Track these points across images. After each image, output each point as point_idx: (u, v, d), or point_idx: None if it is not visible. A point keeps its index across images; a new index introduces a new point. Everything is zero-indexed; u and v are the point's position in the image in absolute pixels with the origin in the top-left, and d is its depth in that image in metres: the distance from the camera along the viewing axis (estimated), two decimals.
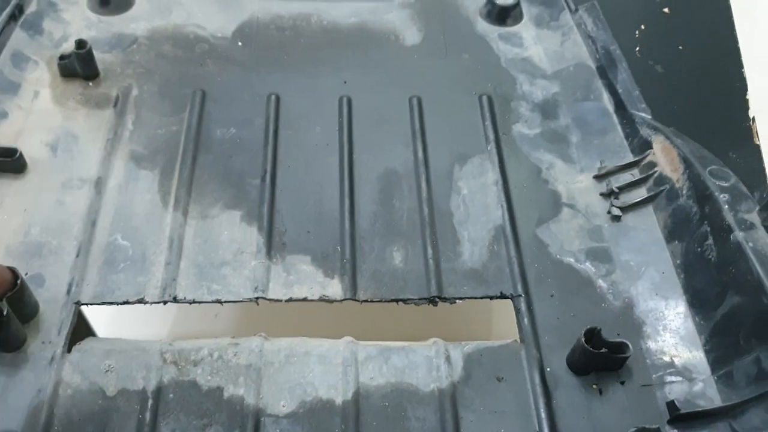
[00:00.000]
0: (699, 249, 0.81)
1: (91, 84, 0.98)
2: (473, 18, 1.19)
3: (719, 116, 1.38)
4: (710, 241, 0.79)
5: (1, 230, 0.80)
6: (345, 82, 1.05)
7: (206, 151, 0.92)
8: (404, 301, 0.80)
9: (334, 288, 0.80)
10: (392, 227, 0.87)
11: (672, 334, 0.78)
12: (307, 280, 0.80)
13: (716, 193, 0.81)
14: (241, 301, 0.78)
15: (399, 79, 1.07)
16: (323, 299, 0.79)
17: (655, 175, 0.91)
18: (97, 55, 0.99)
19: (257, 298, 0.78)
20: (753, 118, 1.36)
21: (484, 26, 1.17)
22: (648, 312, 0.80)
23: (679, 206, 0.86)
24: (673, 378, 0.74)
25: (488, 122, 1.01)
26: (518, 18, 1.18)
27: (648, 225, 0.89)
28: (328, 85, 1.04)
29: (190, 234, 0.83)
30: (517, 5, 1.18)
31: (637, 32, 1.52)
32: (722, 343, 0.74)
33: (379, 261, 0.83)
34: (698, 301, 0.79)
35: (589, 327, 0.71)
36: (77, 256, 0.79)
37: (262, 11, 1.14)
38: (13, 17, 1.02)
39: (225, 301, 0.78)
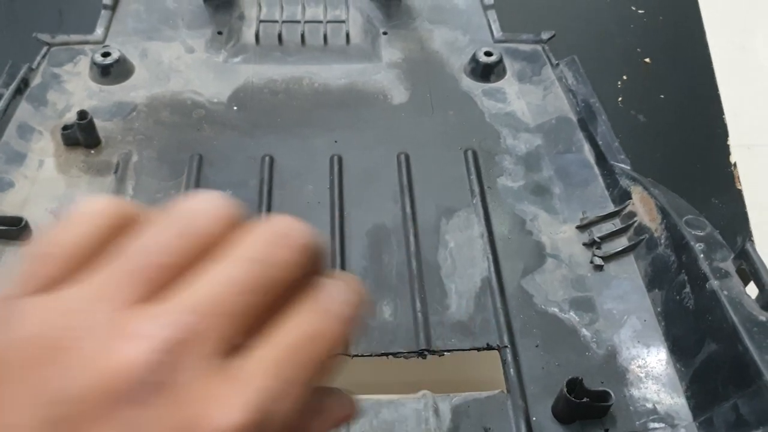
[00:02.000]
0: (678, 297, 0.83)
1: (93, 152, 1.02)
2: (458, 75, 1.23)
3: (702, 162, 1.41)
4: (688, 289, 0.82)
5: None
6: (336, 142, 1.09)
7: None
8: (394, 354, 0.83)
9: None
10: (382, 282, 0.90)
11: (654, 381, 0.80)
12: None
13: (692, 242, 0.84)
14: None
15: (387, 136, 1.11)
16: None
17: (635, 224, 0.94)
18: (99, 123, 1.04)
19: None
20: (734, 163, 1.40)
21: (468, 83, 1.22)
22: (631, 359, 0.82)
23: (658, 255, 0.89)
24: (656, 425, 0.76)
25: (473, 176, 1.05)
26: (501, 74, 1.23)
27: (629, 273, 0.92)
28: (319, 144, 1.08)
29: None
30: (500, 62, 1.23)
31: (619, 82, 1.57)
32: (702, 389, 0.76)
33: (369, 316, 0.86)
34: (679, 349, 0.82)
35: (571, 377, 0.74)
36: None
37: (257, 76, 1.19)
38: (19, 91, 1.07)
39: None
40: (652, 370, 0.81)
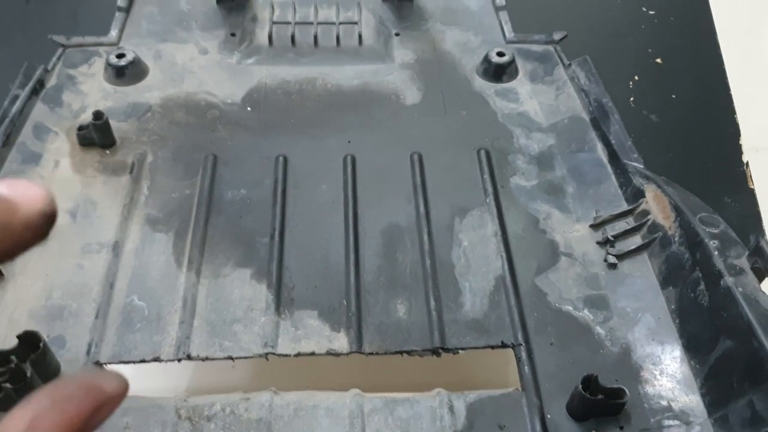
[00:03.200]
0: (692, 294, 0.83)
1: (108, 152, 1.03)
2: (470, 76, 1.24)
3: (714, 162, 1.41)
4: (702, 286, 0.82)
5: (26, 295, 0.84)
6: (349, 142, 1.10)
7: (218, 213, 0.97)
8: (408, 352, 0.83)
9: (341, 341, 0.83)
10: (396, 280, 0.91)
11: (669, 379, 0.80)
12: (314, 334, 0.84)
13: (706, 240, 0.84)
14: (252, 357, 0.82)
15: (400, 136, 1.11)
16: (330, 353, 0.82)
17: (649, 223, 0.94)
18: (114, 124, 1.05)
19: (267, 353, 0.81)
20: (747, 162, 1.39)
21: (481, 83, 1.22)
22: (645, 357, 0.82)
23: (672, 253, 0.89)
24: (671, 422, 0.76)
25: (486, 175, 1.05)
26: (514, 74, 1.23)
27: (643, 272, 0.92)
28: (332, 144, 1.09)
29: (203, 293, 0.87)
30: (512, 62, 1.23)
31: (631, 83, 1.57)
32: (717, 386, 0.76)
33: (383, 314, 0.87)
34: (693, 346, 0.82)
35: (586, 374, 0.74)
36: (96, 317, 0.83)
37: (270, 77, 1.20)
38: (35, 92, 1.08)
39: (236, 357, 0.81)
40: (666, 368, 0.81)
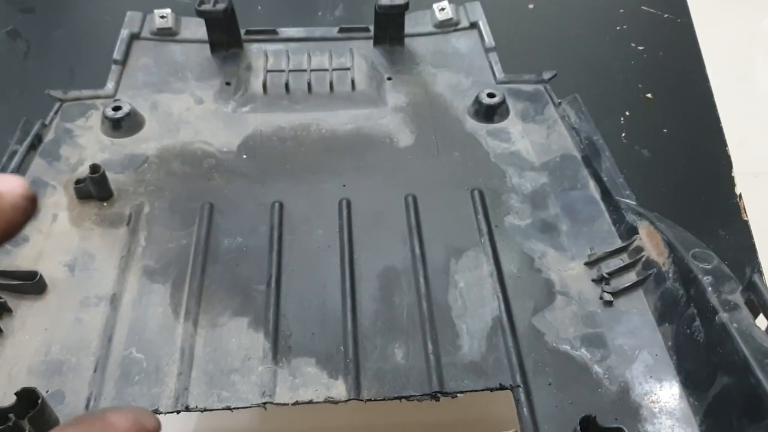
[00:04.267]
0: (688, 331, 0.84)
1: (105, 204, 1.04)
2: (462, 117, 1.26)
3: (707, 195, 1.42)
4: (698, 322, 0.82)
5: (24, 350, 0.85)
6: (344, 186, 1.11)
7: (214, 261, 0.98)
8: (407, 398, 0.83)
9: (339, 389, 0.83)
10: (393, 324, 0.91)
11: (668, 416, 0.80)
12: (312, 382, 0.84)
13: (699, 276, 0.84)
14: (250, 407, 0.81)
15: (395, 179, 1.12)
16: (328, 401, 0.82)
17: (643, 259, 0.95)
18: (111, 176, 1.06)
19: (265, 403, 0.81)
20: (740, 194, 1.40)
21: (473, 124, 1.24)
22: (644, 395, 0.82)
23: (667, 289, 0.89)
24: None
25: (481, 216, 1.06)
26: (505, 114, 1.25)
27: (639, 308, 0.92)
28: (328, 189, 1.10)
29: (201, 343, 0.87)
30: (503, 103, 1.25)
31: (622, 118, 1.59)
32: (716, 424, 0.76)
33: (381, 359, 0.87)
34: (691, 383, 0.81)
35: (584, 415, 0.74)
36: (95, 371, 0.83)
37: (265, 124, 1.22)
38: (33, 147, 1.10)
39: (234, 408, 0.81)
40: (665, 405, 0.81)
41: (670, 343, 0.86)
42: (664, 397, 0.82)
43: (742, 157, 1.47)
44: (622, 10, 1.94)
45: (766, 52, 1.92)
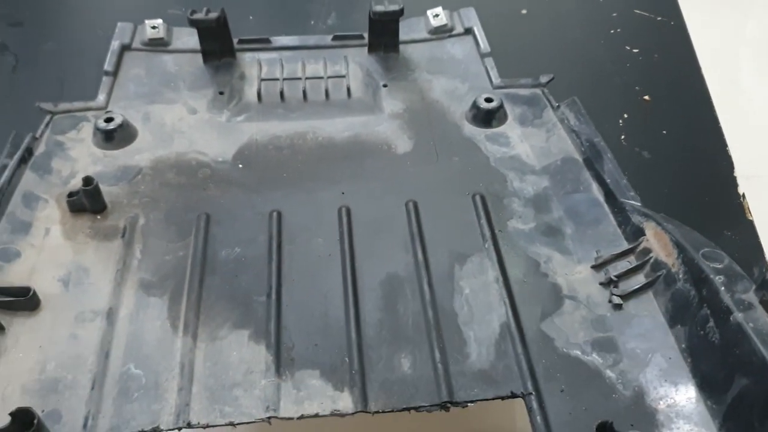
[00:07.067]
0: (702, 332, 0.82)
1: (99, 217, 1.02)
2: (460, 122, 1.24)
3: (710, 196, 1.41)
4: (711, 323, 0.80)
5: (18, 369, 0.82)
6: (343, 193, 1.09)
7: (212, 273, 0.95)
8: (416, 408, 0.81)
9: (345, 401, 0.81)
10: (398, 333, 0.89)
11: (686, 421, 0.78)
12: (317, 394, 0.81)
13: (711, 276, 0.82)
14: (254, 422, 0.79)
15: (394, 185, 1.10)
16: (335, 414, 0.79)
17: (651, 261, 0.93)
18: (104, 188, 1.04)
19: (269, 417, 0.78)
20: (743, 194, 1.39)
21: (471, 129, 1.22)
22: (659, 399, 0.80)
23: (678, 290, 0.87)
24: None
25: (483, 220, 1.04)
26: (503, 119, 1.24)
27: (650, 311, 0.90)
28: (326, 197, 1.08)
29: (201, 357, 0.85)
30: (500, 107, 1.23)
31: (620, 121, 1.58)
32: (737, 427, 0.74)
33: (387, 369, 0.84)
34: (708, 385, 0.79)
35: (600, 421, 0.72)
36: (92, 388, 0.80)
37: (260, 133, 1.20)
38: (24, 160, 1.07)
39: (238, 423, 0.78)
40: (682, 409, 0.79)
41: (683, 346, 0.84)
42: (681, 401, 0.79)
43: (743, 157, 1.46)
44: (615, 14, 1.93)
45: (753, 52, 1.92)
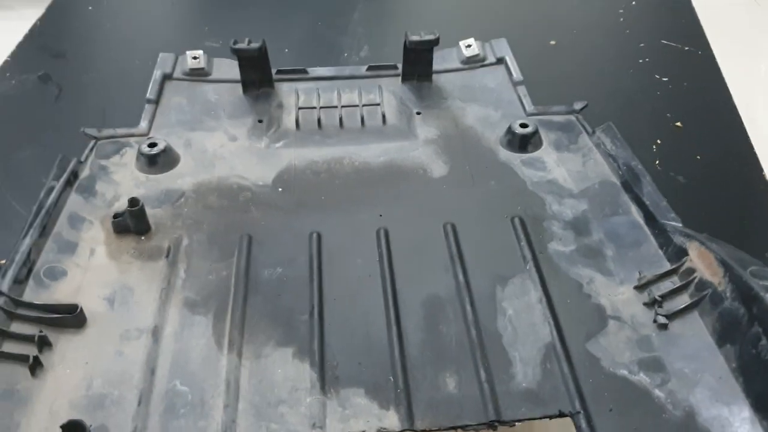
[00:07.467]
0: (754, 351, 0.80)
1: (143, 238, 1.03)
2: (495, 148, 1.25)
3: (748, 218, 1.40)
4: (764, 341, 0.79)
5: (65, 384, 0.82)
6: (380, 216, 1.09)
7: (255, 292, 0.96)
8: (463, 428, 0.80)
9: (391, 419, 0.80)
10: (442, 353, 0.88)
11: None
12: (363, 413, 0.81)
13: (761, 293, 0.81)
14: None
15: (431, 208, 1.11)
16: (381, 431, 0.79)
17: (696, 280, 0.92)
18: (147, 210, 1.05)
19: None
20: None
21: (506, 154, 1.23)
22: (712, 419, 0.79)
23: (725, 309, 0.86)
24: None
25: (523, 242, 1.04)
26: (538, 144, 1.24)
27: (696, 331, 0.89)
28: (364, 219, 1.09)
29: (246, 375, 0.85)
30: (536, 132, 1.24)
31: (654, 147, 1.58)
32: None
33: (432, 388, 0.84)
34: (763, 405, 0.78)
35: None
36: (139, 404, 0.80)
37: (298, 159, 1.21)
38: (69, 183, 1.10)
39: None
40: (737, 430, 0.77)
41: (734, 365, 0.83)
42: (735, 421, 0.78)
43: None
44: (642, 44, 1.95)
45: None
